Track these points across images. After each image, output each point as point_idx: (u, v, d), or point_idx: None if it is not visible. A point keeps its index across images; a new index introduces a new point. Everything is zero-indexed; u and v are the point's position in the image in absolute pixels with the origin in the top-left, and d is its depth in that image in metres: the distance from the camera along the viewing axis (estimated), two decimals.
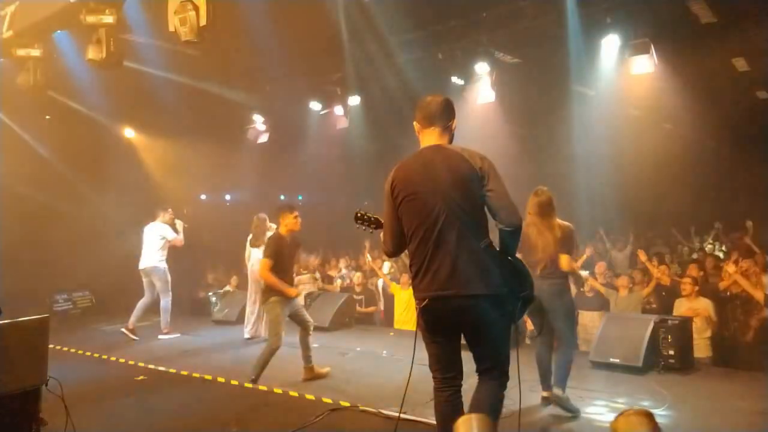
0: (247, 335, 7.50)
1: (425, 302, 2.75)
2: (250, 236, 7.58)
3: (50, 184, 9.54)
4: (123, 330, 7.63)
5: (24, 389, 3.12)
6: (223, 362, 6.39)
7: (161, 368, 6.14)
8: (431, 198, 2.75)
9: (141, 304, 7.81)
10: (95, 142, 10.59)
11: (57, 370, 3.31)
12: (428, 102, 2.95)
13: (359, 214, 3.48)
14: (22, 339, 3.17)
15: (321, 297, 8.90)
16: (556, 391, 4.37)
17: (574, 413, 4.30)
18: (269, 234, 7.40)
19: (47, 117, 9.79)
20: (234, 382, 5.47)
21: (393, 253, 3.03)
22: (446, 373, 2.84)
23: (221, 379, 5.62)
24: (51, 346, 3.37)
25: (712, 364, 6.07)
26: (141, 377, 5.88)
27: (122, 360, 6.60)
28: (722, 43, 7.39)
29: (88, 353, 7.01)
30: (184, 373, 5.92)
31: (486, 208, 2.78)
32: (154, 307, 7.82)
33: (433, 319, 2.80)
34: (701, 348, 6.06)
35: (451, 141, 2.95)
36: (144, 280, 7.84)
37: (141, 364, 6.30)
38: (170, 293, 7.89)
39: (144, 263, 7.79)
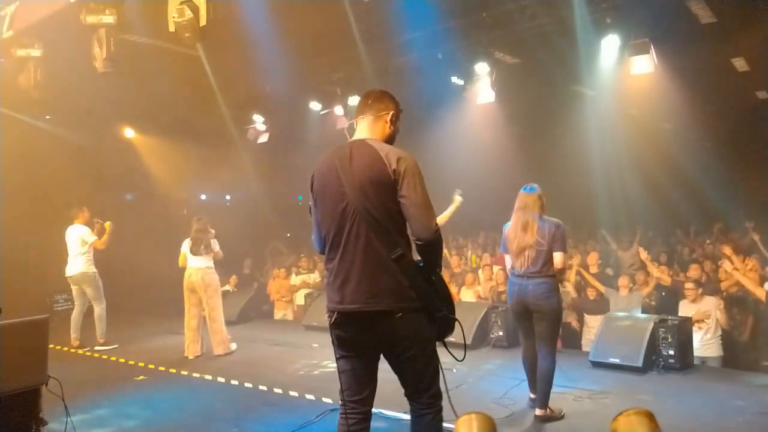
0: (198, 353, 6.58)
1: (334, 317, 2.54)
2: (189, 243, 6.67)
3: (50, 183, 9.52)
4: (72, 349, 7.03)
5: (24, 389, 3.12)
6: (224, 362, 6.39)
7: (161, 368, 6.16)
8: (340, 200, 2.50)
9: (74, 316, 7.27)
10: (95, 142, 10.59)
11: (57, 370, 3.32)
12: (366, 92, 2.77)
13: None
14: (22, 339, 3.17)
15: (321, 297, 8.90)
16: (539, 412, 4.14)
17: (562, 416, 4.22)
18: (213, 241, 6.70)
19: (47, 117, 9.78)
20: (234, 382, 5.49)
21: (322, 253, 2.70)
22: (354, 395, 2.58)
23: (221, 379, 5.63)
24: (51, 346, 3.38)
25: (723, 364, 6.04)
26: (141, 377, 5.89)
27: (122, 360, 6.62)
28: (722, 43, 7.39)
29: (88, 353, 7.02)
30: (184, 373, 5.94)
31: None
32: (151, 308, 7.59)
33: (343, 335, 2.57)
34: (712, 348, 6.05)
35: (390, 135, 2.69)
36: (73, 288, 7.31)
37: (141, 364, 6.32)
38: (104, 300, 7.25)
39: (70, 270, 7.20)
